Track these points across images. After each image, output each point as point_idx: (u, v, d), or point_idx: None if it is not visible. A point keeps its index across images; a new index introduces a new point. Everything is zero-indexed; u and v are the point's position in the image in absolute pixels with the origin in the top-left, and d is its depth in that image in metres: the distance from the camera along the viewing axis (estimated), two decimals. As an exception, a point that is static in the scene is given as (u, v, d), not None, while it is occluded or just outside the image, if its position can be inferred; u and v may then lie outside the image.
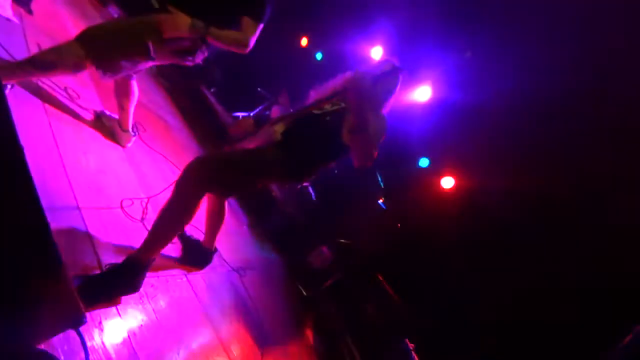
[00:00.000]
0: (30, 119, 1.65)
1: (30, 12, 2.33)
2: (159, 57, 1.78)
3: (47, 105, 1.82)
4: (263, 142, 1.68)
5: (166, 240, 1.45)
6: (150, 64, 1.82)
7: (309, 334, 3.02)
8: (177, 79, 5.02)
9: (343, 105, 1.68)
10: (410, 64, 5.06)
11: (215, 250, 2.11)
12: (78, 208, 1.51)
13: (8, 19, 2.02)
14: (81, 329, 1.03)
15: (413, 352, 1.65)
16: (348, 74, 1.68)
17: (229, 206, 3.42)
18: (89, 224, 1.50)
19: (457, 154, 4.74)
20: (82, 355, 1.06)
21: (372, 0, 5.41)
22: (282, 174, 1.65)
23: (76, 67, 1.63)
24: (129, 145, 2.29)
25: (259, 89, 5.38)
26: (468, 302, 3.84)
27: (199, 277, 2.06)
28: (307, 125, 1.67)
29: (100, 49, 1.62)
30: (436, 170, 4.80)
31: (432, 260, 4.22)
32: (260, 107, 5.30)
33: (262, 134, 1.69)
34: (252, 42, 1.80)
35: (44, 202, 0.75)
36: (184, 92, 4.98)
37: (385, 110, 1.74)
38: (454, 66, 4.78)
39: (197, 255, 2.02)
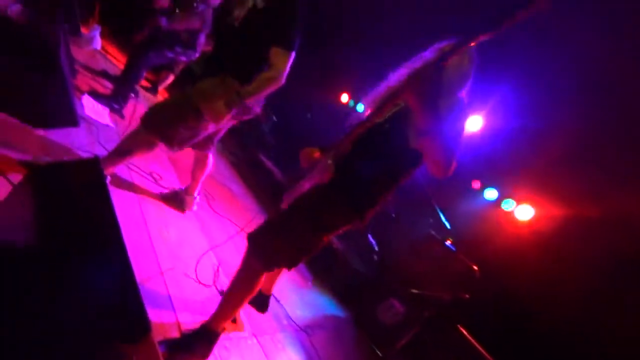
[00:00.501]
0: (123, 200, 1.97)
1: (122, 117, 2.93)
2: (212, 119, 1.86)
3: (136, 188, 2.17)
4: (316, 181, 1.43)
5: (236, 311, 1.52)
6: (211, 128, 1.95)
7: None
8: (239, 151, 5.63)
9: (403, 104, 1.36)
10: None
11: (271, 295, 2.08)
12: (161, 273, 1.68)
13: (107, 125, 2.55)
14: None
15: None
16: (402, 70, 1.39)
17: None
18: (169, 286, 1.65)
19: (522, 182, 4.34)
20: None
21: (404, 45, 5.63)
22: (344, 217, 1.42)
23: (147, 145, 1.89)
24: (194, 208, 2.54)
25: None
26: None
27: (268, 339, 2.05)
28: (364, 144, 1.38)
29: (158, 124, 1.84)
30: (502, 201, 4.42)
31: (516, 304, 3.65)
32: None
33: (318, 168, 1.43)
34: (285, 72, 1.71)
35: (136, 270, 0.87)
36: (246, 162, 5.52)
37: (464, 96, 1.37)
38: (505, 92, 4.63)
39: (256, 299, 1.93)
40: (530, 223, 4.24)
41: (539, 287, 3.76)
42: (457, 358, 2.97)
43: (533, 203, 4.29)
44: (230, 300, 1.48)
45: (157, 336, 1.37)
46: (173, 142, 1.88)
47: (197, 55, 3.26)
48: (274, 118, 6.02)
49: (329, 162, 1.39)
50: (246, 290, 1.45)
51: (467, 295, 3.24)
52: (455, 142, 1.18)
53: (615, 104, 3.57)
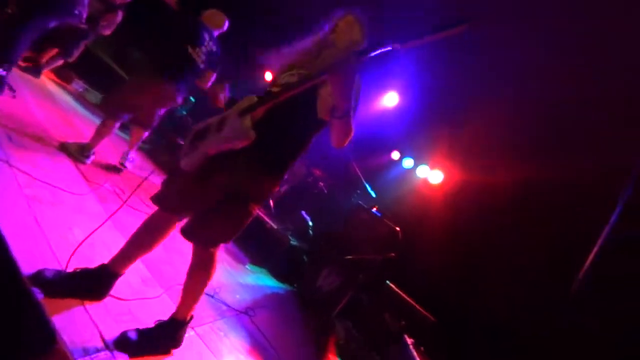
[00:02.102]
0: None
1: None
2: None
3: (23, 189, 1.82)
4: (229, 146, 1.39)
5: (199, 297, 1.59)
6: None
7: (332, 357, 2.91)
8: (154, 138, 5.08)
9: (305, 72, 1.45)
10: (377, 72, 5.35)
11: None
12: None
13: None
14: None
15: (412, 347, 1.60)
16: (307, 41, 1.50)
17: (226, 248, 3.39)
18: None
19: (433, 150, 4.92)
20: None
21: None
22: (269, 186, 1.50)
23: None
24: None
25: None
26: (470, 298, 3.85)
27: (207, 328, 2.00)
28: (278, 113, 1.41)
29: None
30: (417, 168, 4.98)
31: (433, 257, 4.24)
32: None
33: (230, 125, 1.38)
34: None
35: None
36: (163, 149, 5.03)
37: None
38: (417, 70, 5.04)
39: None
40: (440, 186, 4.85)
41: (450, 240, 4.38)
42: (389, 310, 3.32)
43: (443, 169, 4.90)
44: (191, 289, 1.56)
45: (75, 343, 1.23)
46: None
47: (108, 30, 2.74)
48: (192, 99, 5.57)
49: (249, 126, 1.35)
50: (204, 276, 1.55)
51: (393, 254, 3.61)
52: (354, 123, 1.40)
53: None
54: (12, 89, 2.72)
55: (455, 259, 4.18)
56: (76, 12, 2.62)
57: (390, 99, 5.44)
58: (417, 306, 3.38)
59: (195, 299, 1.58)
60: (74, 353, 1.20)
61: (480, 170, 4.49)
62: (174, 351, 1.58)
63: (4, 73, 2.44)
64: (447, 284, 4.13)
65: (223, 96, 1.77)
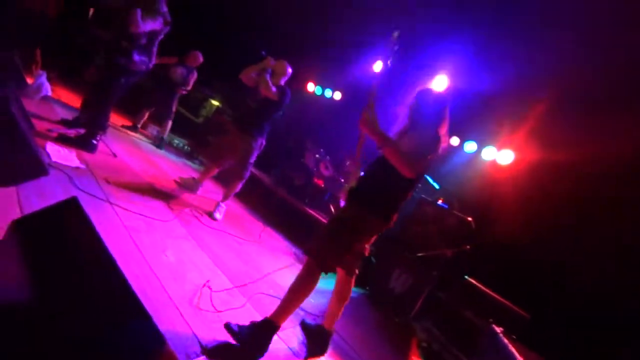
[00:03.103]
0: (112, 233, 1.96)
1: (93, 152, 2.89)
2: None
3: (123, 222, 2.15)
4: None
5: (295, 307, 1.79)
6: None
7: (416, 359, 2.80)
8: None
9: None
10: (425, 55, 5.19)
11: (334, 331, 2.12)
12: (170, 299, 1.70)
13: (77, 167, 2.51)
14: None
15: (502, 335, 1.44)
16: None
17: (298, 256, 3.52)
18: (183, 312, 1.67)
19: (497, 131, 4.52)
20: None
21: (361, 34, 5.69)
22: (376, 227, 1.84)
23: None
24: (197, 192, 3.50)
25: (287, 144, 5.73)
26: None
27: (289, 333, 2.10)
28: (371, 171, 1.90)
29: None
30: (481, 151, 4.60)
31: (512, 245, 3.83)
32: (294, 158, 5.60)
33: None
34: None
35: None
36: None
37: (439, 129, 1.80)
38: (469, 53, 4.79)
39: (319, 340, 2.06)
40: (510, 167, 4.41)
41: (528, 224, 3.92)
42: (471, 307, 3.09)
43: (512, 148, 4.46)
44: (290, 298, 1.76)
45: (178, 347, 1.40)
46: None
47: (152, 63, 3.20)
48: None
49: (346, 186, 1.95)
50: (304, 287, 1.78)
51: (467, 247, 3.37)
52: (410, 153, 1.67)
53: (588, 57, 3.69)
54: (113, 154, 3.23)
55: (537, 244, 3.72)
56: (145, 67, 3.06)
57: (439, 83, 5.18)
58: (504, 300, 3.08)
59: (293, 306, 1.79)
60: (178, 356, 1.36)
61: (554, 146, 3.99)
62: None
63: (97, 142, 2.96)
64: (531, 272, 3.69)
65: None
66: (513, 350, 1.35)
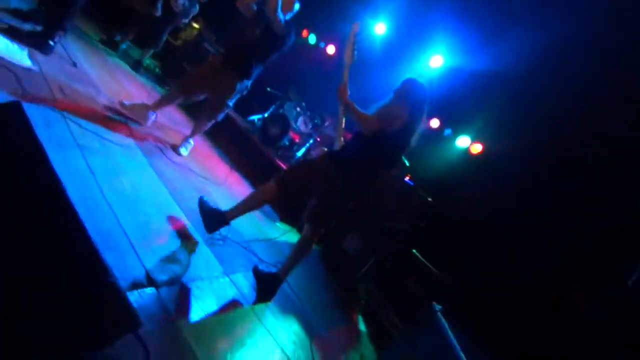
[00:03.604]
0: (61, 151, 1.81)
1: (49, 54, 2.56)
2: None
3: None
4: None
5: (242, 212, 2.09)
6: None
7: (355, 317, 3.07)
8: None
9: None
10: (420, 34, 5.05)
11: (285, 280, 2.21)
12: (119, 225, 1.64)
13: (28, 68, 2.21)
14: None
15: (439, 313, 1.62)
16: None
17: (263, 210, 3.54)
18: (132, 239, 1.63)
19: (473, 119, 4.62)
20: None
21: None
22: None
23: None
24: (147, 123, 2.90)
25: (268, 89, 5.44)
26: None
27: (240, 276, 2.16)
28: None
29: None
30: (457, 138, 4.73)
31: (465, 229, 4.14)
32: (273, 106, 5.38)
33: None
34: None
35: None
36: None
37: None
38: (465, 34, 4.71)
39: (269, 285, 2.11)
40: (480, 157, 4.60)
41: (486, 214, 4.22)
42: (412, 276, 3.37)
43: (484, 140, 4.61)
44: (245, 202, 2.08)
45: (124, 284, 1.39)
46: None
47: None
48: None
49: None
50: (258, 195, 2.13)
51: (422, 224, 3.57)
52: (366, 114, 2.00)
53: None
54: (74, 63, 2.84)
55: (492, 234, 4.05)
56: None
57: (435, 61, 5.09)
58: (441, 276, 3.38)
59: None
60: (123, 286, 1.35)
61: (522, 140, 4.18)
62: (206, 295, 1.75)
63: (55, 43, 2.57)
64: (478, 259, 4.05)
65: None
66: (447, 328, 1.50)
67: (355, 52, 2.13)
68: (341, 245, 3.63)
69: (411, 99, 2.03)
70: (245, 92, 3.03)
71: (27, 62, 2.25)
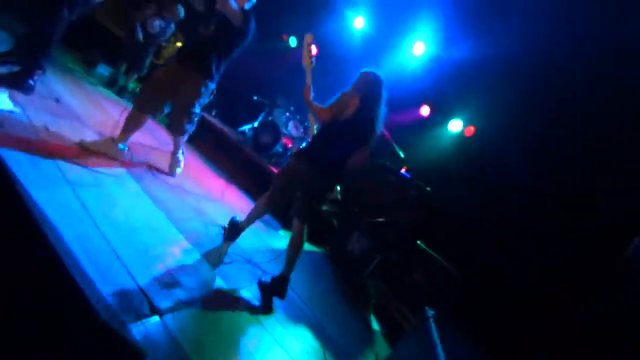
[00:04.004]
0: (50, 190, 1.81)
1: (30, 94, 2.55)
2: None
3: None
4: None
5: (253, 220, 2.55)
6: None
7: (367, 317, 3.06)
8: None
9: None
10: (400, 23, 5.05)
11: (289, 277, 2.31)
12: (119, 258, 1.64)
13: (10, 112, 2.21)
14: None
15: (432, 319, 1.60)
16: None
17: (263, 219, 3.53)
18: (131, 269, 1.63)
19: (466, 103, 4.62)
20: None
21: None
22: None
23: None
24: (123, 158, 2.65)
25: (254, 97, 5.44)
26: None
27: (245, 291, 2.16)
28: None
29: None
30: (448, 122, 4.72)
31: (466, 215, 4.13)
32: (262, 115, 5.38)
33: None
34: None
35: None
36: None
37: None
38: (445, 21, 4.72)
39: (277, 288, 2.22)
40: (474, 141, 4.58)
41: (485, 198, 4.20)
42: (419, 269, 3.36)
43: (477, 122, 4.59)
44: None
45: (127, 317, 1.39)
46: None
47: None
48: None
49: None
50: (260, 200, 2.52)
51: (422, 214, 3.57)
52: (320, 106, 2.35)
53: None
54: (57, 99, 2.83)
55: (492, 218, 4.03)
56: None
57: (417, 48, 5.08)
58: (447, 264, 3.37)
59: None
60: (126, 317, 1.34)
61: (519, 122, 4.16)
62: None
63: (34, 82, 2.57)
64: (481, 244, 4.03)
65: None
66: (436, 338, 1.47)
67: (313, 59, 2.44)
68: (346, 246, 3.62)
69: (363, 88, 2.23)
70: (211, 96, 2.81)
71: (8, 105, 2.24)
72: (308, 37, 2.48)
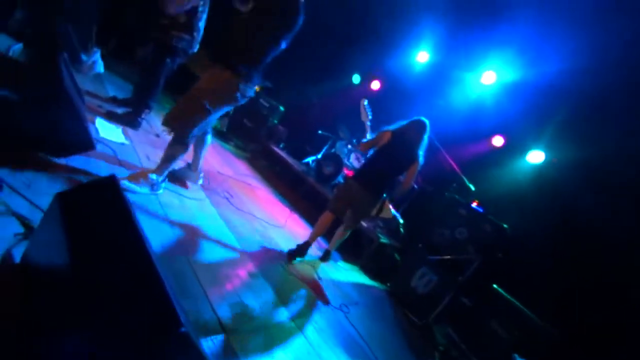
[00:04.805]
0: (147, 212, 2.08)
1: (137, 129, 3.06)
2: (215, 109, 2.21)
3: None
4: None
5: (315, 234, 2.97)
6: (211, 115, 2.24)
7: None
8: (251, 144, 5.73)
9: None
10: (470, 51, 4.97)
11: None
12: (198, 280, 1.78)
13: (122, 144, 2.67)
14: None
15: None
16: None
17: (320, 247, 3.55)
18: (205, 287, 1.75)
19: (545, 133, 4.18)
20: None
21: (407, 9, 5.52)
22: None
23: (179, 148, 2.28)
24: (199, 182, 2.88)
25: (319, 131, 5.70)
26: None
27: (305, 321, 2.13)
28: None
29: (174, 121, 2.20)
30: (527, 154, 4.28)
31: (549, 259, 3.55)
32: (325, 147, 5.58)
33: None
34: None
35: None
36: (261, 156, 5.62)
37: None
38: (517, 48, 4.52)
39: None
40: (557, 174, 4.07)
41: (571, 238, 3.63)
42: (496, 315, 2.95)
43: (559, 153, 4.11)
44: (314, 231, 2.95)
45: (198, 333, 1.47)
46: (185, 135, 2.23)
47: (196, 42, 3.09)
48: (281, 108, 6.02)
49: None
50: (319, 225, 2.94)
51: (500, 255, 3.19)
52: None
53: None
54: (157, 135, 3.35)
55: (580, 262, 3.42)
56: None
57: (488, 78, 4.88)
58: (531, 314, 2.89)
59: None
60: (198, 338, 1.42)
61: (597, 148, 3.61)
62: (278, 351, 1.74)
63: (142, 119, 3.13)
64: (569, 292, 3.40)
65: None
66: None
67: (369, 114, 3.18)
68: (410, 283, 3.39)
69: (398, 126, 2.90)
70: (244, 101, 2.29)
71: (121, 139, 2.72)
72: (363, 101, 3.21)
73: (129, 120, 3.08)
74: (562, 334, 2.67)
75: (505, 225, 3.35)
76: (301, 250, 2.79)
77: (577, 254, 3.51)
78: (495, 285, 3.12)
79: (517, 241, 3.40)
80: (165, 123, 2.22)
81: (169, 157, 2.29)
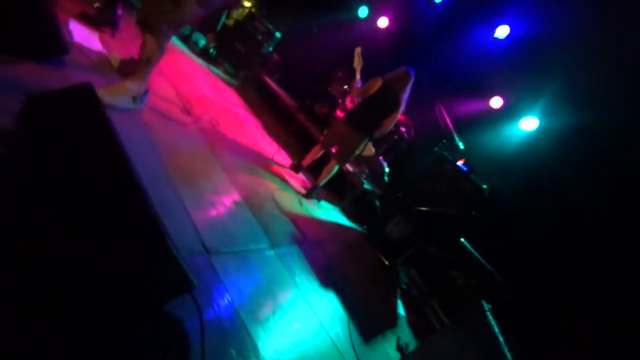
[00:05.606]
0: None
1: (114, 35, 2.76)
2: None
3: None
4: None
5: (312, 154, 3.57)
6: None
7: (394, 300, 3.04)
8: (243, 71, 5.37)
9: None
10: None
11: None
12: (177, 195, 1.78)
13: (99, 50, 2.42)
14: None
15: (489, 313, 1.51)
16: None
17: (305, 185, 3.60)
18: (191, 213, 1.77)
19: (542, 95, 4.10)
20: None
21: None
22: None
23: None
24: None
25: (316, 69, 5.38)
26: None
27: (285, 250, 2.25)
28: None
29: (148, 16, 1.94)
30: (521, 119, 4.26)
31: (523, 223, 3.78)
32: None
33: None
34: None
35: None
36: (252, 86, 5.33)
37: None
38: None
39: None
40: (550, 143, 4.11)
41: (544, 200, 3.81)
42: (458, 267, 3.22)
43: (552, 121, 4.09)
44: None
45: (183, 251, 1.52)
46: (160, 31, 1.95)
47: None
48: (277, 34, 5.53)
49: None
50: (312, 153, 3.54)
51: (473, 213, 3.35)
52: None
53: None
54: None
55: (553, 230, 3.65)
56: None
57: (501, 31, 4.59)
58: (491, 270, 3.17)
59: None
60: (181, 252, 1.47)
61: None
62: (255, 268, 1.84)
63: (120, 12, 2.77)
64: (532, 257, 3.69)
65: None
66: (497, 330, 1.41)
67: (362, 62, 3.35)
68: (385, 228, 3.58)
69: (390, 75, 3.19)
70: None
71: (98, 46, 2.45)
72: (358, 49, 3.38)
73: (104, 18, 2.74)
74: (506, 280, 2.96)
75: (484, 186, 3.47)
76: (296, 167, 3.56)
77: (545, 222, 3.72)
78: (463, 240, 3.34)
79: (493, 203, 3.55)
80: (139, 21, 1.97)
81: (146, 60, 2.03)
